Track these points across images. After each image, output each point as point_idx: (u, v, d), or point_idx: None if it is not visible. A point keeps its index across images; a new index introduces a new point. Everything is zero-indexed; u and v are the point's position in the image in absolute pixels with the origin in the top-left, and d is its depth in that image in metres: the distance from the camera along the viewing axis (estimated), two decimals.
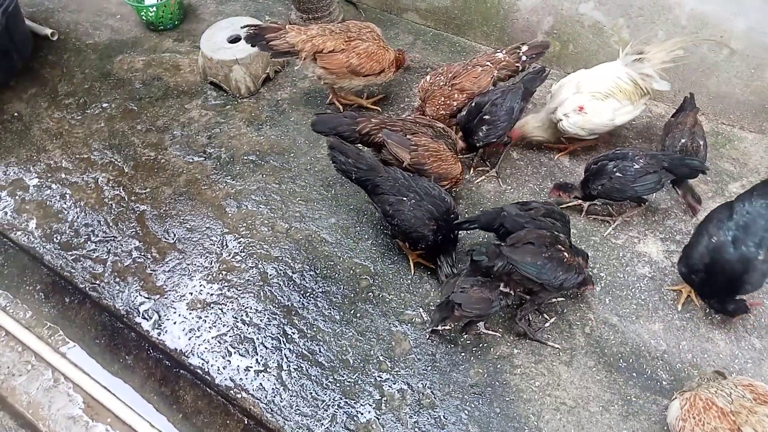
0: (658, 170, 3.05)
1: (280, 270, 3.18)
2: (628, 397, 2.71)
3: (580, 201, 3.36)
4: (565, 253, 2.67)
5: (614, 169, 3.12)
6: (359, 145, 3.20)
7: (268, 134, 3.86)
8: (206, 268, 3.20)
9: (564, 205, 3.41)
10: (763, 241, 2.64)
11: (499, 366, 2.82)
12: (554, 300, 2.99)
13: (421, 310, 2.99)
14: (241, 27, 3.65)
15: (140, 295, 3.11)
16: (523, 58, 3.48)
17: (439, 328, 2.88)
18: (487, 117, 3.27)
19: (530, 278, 2.65)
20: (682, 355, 2.83)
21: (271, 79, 4.20)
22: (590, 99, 3.31)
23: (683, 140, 3.30)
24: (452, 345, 2.89)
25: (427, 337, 2.91)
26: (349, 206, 3.46)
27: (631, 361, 2.82)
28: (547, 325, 2.92)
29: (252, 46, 3.60)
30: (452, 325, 2.87)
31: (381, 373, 2.81)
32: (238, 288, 3.12)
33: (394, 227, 2.98)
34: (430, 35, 4.51)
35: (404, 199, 2.92)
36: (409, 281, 3.13)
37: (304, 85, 4.17)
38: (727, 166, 3.56)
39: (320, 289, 3.10)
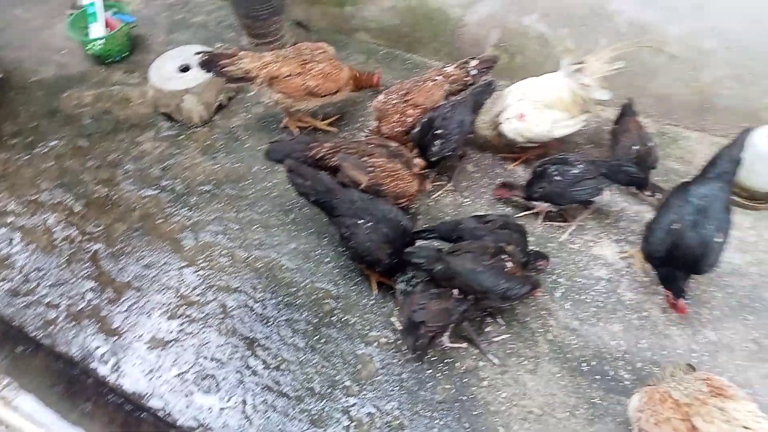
0: (596, 176, 3.14)
1: (241, 301, 3.14)
2: (593, 400, 2.74)
3: (537, 208, 3.43)
4: (509, 264, 2.71)
5: (554, 173, 3.20)
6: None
7: (223, 162, 3.84)
8: (164, 304, 3.14)
9: (522, 214, 3.47)
10: (721, 223, 2.76)
11: (465, 380, 2.83)
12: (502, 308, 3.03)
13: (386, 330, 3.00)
14: (194, 54, 3.63)
15: (96, 339, 3.03)
16: (473, 71, 3.54)
17: (450, 344, 2.90)
18: (439, 131, 3.31)
19: (471, 285, 2.69)
20: (642, 353, 2.89)
21: (224, 107, 4.18)
22: (532, 108, 3.38)
23: (635, 147, 3.39)
24: (418, 363, 2.89)
25: (394, 356, 2.91)
26: (309, 230, 3.44)
27: (593, 364, 2.87)
28: (497, 339, 2.94)
29: (207, 72, 3.60)
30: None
31: (349, 398, 2.79)
32: (199, 322, 3.07)
33: (350, 250, 2.99)
34: (382, 53, 4.56)
35: (360, 222, 2.92)
36: (373, 302, 3.13)
37: (258, 111, 4.16)
38: (675, 165, 3.67)
39: (283, 317, 3.08)
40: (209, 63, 3.54)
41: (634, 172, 3.13)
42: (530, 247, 3.05)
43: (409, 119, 3.40)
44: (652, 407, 2.27)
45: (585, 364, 2.87)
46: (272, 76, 3.56)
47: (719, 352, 2.88)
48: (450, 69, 3.55)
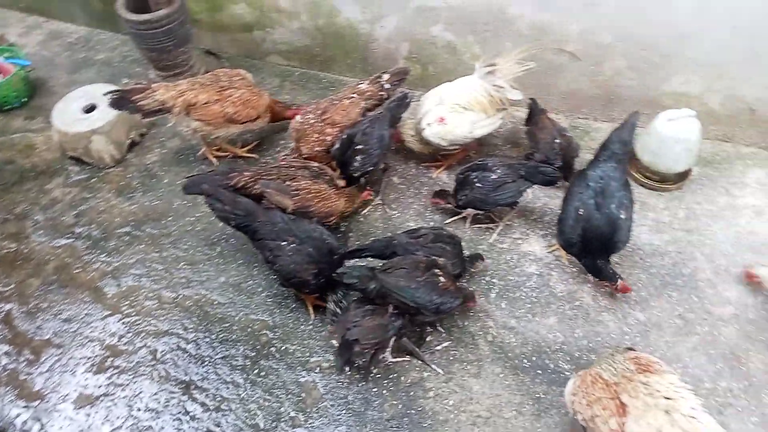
0: (516, 179, 3.22)
1: (173, 343, 3.00)
2: (537, 395, 2.78)
3: (464, 212, 3.47)
4: (442, 278, 2.73)
5: (475, 180, 3.27)
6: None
7: (141, 202, 3.68)
8: (89, 358, 2.96)
9: (450, 220, 3.50)
10: (621, 200, 2.91)
11: (412, 393, 2.81)
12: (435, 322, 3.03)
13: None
14: (104, 94, 3.48)
15: (16, 406, 2.81)
16: (387, 85, 3.57)
17: (393, 359, 2.87)
18: (359, 147, 3.31)
19: (405, 302, 2.68)
20: (579, 342, 2.96)
21: (137, 144, 4.03)
22: (450, 111, 3.44)
23: (557, 140, 3.50)
24: (363, 382, 2.85)
25: (338, 379, 2.85)
26: (238, 261, 3.35)
27: (534, 359, 2.91)
28: (439, 348, 2.94)
29: (118, 110, 3.49)
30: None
31: (295, 429, 2.70)
32: (129, 373, 2.90)
33: (276, 273, 2.93)
34: (297, 75, 4.53)
35: (283, 244, 2.87)
36: (311, 326, 3.06)
37: (173, 145, 4.03)
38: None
39: (219, 355, 2.96)
40: (121, 100, 3.42)
41: (550, 172, 3.22)
42: (465, 253, 3.10)
43: (328, 138, 3.39)
44: (584, 389, 2.34)
45: (526, 361, 2.91)
46: (189, 104, 3.47)
47: (649, 331, 2.99)
48: (364, 86, 3.56)
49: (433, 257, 2.85)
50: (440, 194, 3.47)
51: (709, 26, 3.37)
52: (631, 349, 2.53)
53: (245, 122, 3.63)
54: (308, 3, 4.08)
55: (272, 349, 2.97)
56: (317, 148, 3.40)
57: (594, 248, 2.96)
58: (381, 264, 2.85)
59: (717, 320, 3.02)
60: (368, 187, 3.46)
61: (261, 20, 4.30)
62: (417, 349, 2.91)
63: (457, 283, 2.88)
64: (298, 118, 3.48)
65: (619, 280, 2.97)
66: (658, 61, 3.60)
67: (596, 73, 3.80)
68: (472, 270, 3.16)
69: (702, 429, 2.00)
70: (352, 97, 3.51)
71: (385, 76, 3.60)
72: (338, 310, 2.84)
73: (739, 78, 3.53)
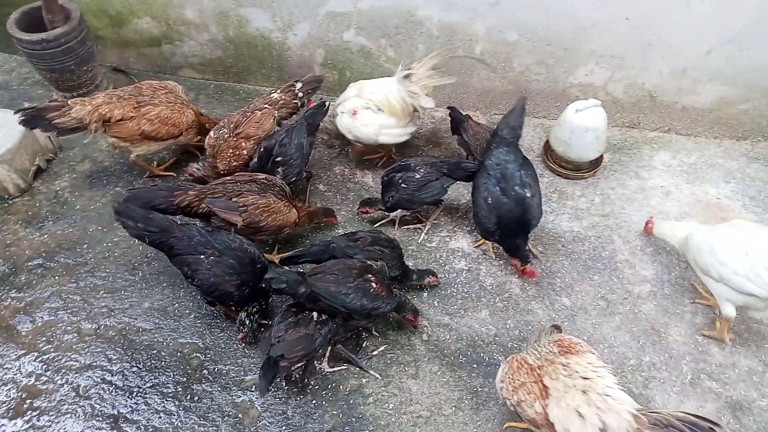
0: (440, 177, 3.27)
1: (97, 377, 2.84)
2: (475, 389, 2.83)
3: (391, 215, 3.49)
4: (374, 284, 2.73)
5: (400, 180, 3.30)
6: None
7: (52, 231, 3.47)
8: (5, 403, 2.75)
9: (378, 223, 3.51)
10: (523, 180, 3.04)
11: (351, 401, 2.78)
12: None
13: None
14: (15, 113, 3.27)
15: None
16: (300, 94, 3.54)
17: (330, 369, 2.85)
18: (279, 158, 3.26)
19: (335, 307, 2.67)
20: (511, 332, 3.03)
21: (44, 170, 3.80)
22: (365, 107, 3.47)
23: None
24: (302, 396, 2.80)
25: (275, 395, 2.79)
26: (161, 285, 3.22)
27: (469, 353, 2.96)
28: (376, 352, 2.95)
29: (31, 129, 3.34)
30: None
31: None
32: (50, 413, 2.72)
33: (197, 288, 2.85)
34: (212, 87, 4.42)
35: (202, 257, 2.78)
36: (244, 345, 2.98)
37: (84, 168, 3.83)
38: None
39: (148, 384, 2.83)
40: (35, 119, 3.23)
41: (472, 167, 3.28)
42: (418, 267, 3.13)
43: (244, 152, 3.32)
44: (510, 375, 2.41)
45: (462, 356, 2.95)
46: (104, 119, 3.31)
47: (576, 315, 3.11)
48: (276, 95, 3.52)
49: (369, 262, 2.85)
50: (367, 203, 3.47)
51: (605, 19, 3.55)
52: (557, 327, 2.61)
53: (167, 140, 3.50)
54: (216, 14, 3.99)
55: (204, 371, 2.88)
56: (234, 163, 3.32)
57: (512, 230, 3.06)
58: (311, 269, 2.82)
59: (637, 298, 3.17)
60: (333, 215, 3.41)
61: (168, 34, 4.16)
62: (353, 356, 2.89)
63: (397, 291, 2.91)
64: (211, 133, 3.38)
65: (529, 265, 3.09)
66: (562, 55, 3.75)
67: (507, 70, 3.92)
68: (421, 283, 3.14)
69: (615, 406, 2.09)
70: (265, 107, 3.45)
71: (298, 85, 3.57)
72: (247, 321, 2.79)
73: (637, 67, 3.74)
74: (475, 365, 2.91)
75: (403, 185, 3.27)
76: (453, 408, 2.76)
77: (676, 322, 3.07)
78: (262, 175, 3.15)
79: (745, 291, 2.66)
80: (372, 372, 2.86)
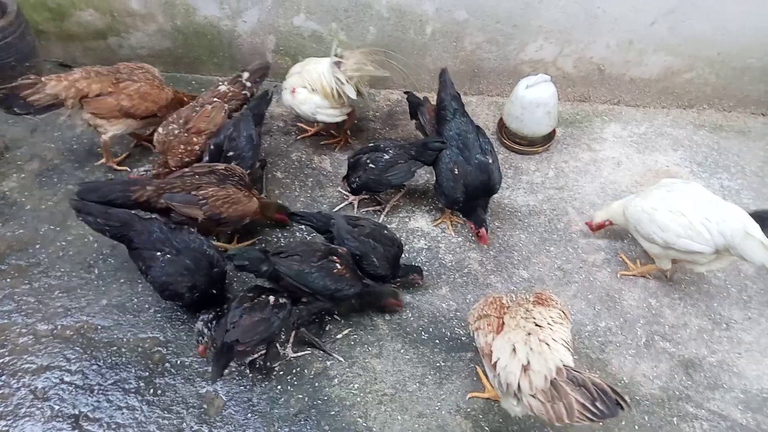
0: (407, 159, 3.28)
1: (55, 378, 2.79)
2: (438, 364, 2.87)
3: (350, 198, 3.50)
4: (338, 265, 2.73)
5: (368, 161, 3.30)
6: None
7: (2, 233, 3.36)
8: None
9: (337, 208, 3.51)
10: (483, 147, 3.14)
11: (317, 384, 2.80)
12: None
13: None
14: None
15: None
16: (248, 84, 3.48)
17: (294, 354, 2.84)
18: (231, 153, 3.22)
19: (298, 286, 2.68)
20: (471, 307, 3.05)
21: None
22: (303, 86, 3.49)
23: None
24: (267, 382, 2.80)
25: (240, 383, 2.78)
26: (119, 281, 3.16)
27: (431, 330, 2.99)
28: (340, 336, 2.96)
29: (6, 110, 3.25)
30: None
31: None
32: (7, 418, 2.66)
33: (151, 284, 2.82)
34: (164, 79, 4.32)
35: (158, 254, 2.75)
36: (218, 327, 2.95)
37: (33, 167, 3.72)
38: None
39: (109, 381, 2.79)
40: (9, 99, 3.18)
41: (438, 146, 3.26)
42: (404, 263, 3.08)
43: (197, 147, 3.25)
44: (481, 306, 2.54)
45: (424, 333, 2.99)
46: (82, 95, 3.28)
47: (533, 286, 3.17)
48: (224, 87, 3.45)
49: (334, 246, 2.86)
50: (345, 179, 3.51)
51: None
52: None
53: (145, 117, 3.45)
54: (162, 3, 3.90)
55: (167, 365, 2.85)
56: (186, 159, 3.25)
57: (478, 196, 3.15)
58: (275, 248, 2.83)
59: (591, 267, 3.26)
60: (285, 213, 3.32)
61: (114, 26, 4.06)
62: (317, 340, 2.90)
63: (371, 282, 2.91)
64: (160, 130, 3.30)
65: (483, 229, 3.16)
66: (511, 32, 3.79)
67: (458, 49, 3.95)
68: (405, 280, 3.10)
69: (546, 353, 2.18)
70: (214, 101, 3.37)
71: (245, 75, 3.51)
72: (206, 330, 2.72)
73: (585, 41, 3.81)
74: (437, 341, 2.96)
75: (370, 165, 3.28)
76: (417, 384, 2.80)
77: (629, 288, 3.16)
78: (221, 165, 3.10)
79: (691, 250, 2.76)
80: (335, 355, 2.88)
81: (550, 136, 3.85)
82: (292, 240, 3.35)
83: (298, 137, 3.90)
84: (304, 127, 3.93)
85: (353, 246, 2.87)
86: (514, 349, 2.24)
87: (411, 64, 4.06)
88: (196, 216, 2.94)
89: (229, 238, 3.34)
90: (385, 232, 3.01)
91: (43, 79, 3.27)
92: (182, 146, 3.24)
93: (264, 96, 3.45)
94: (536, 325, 2.29)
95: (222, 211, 2.99)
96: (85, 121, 3.42)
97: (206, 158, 3.21)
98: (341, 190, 3.57)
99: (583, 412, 2.02)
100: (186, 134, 3.26)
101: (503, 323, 2.40)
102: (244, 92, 3.44)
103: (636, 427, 2.67)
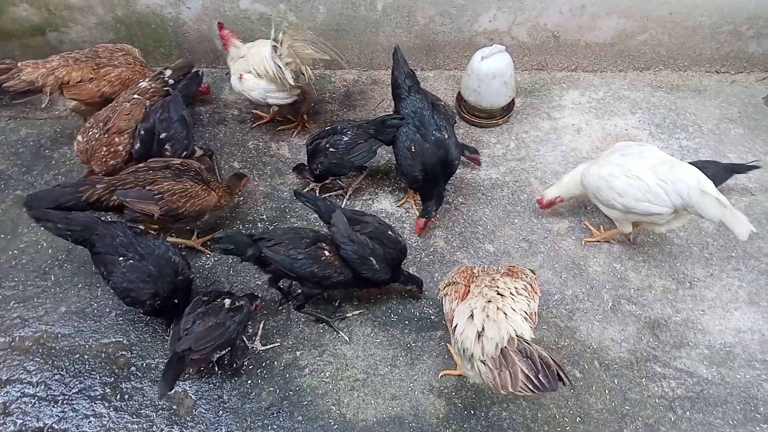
0: (368, 139, 3.21)
1: (16, 392, 2.71)
2: (408, 345, 2.86)
3: (312, 185, 3.44)
4: (326, 251, 2.67)
5: (327, 146, 3.23)
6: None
7: None
8: None
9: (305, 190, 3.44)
10: (439, 124, 3.10)
11: (287, 375, 2.77)
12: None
13: None
14: None
15: None
16: (171, 81, 3.31)
17: (263, 347, 2.78)
18: (163, 135, 3.11)
19: (284, 271, 2.64)
20: (439, 285, 3.04)
21: None
22: (247, 71, 3.40)
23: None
24: (236, 377, 2.76)
25: (209, 381, 2.74)
26: (76, 286, 3.07)
27: (400, 311, 2.98)
28: (349, 315, 2.94)
29: None
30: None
31: None
32: None
33: (112, 290, 2.73)
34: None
35: (120, 259, 2.66)
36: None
37: None
38: None
39: (73, 390, 2.72)
40: None
41: (396, 123, 3.19)
42: (406, 271, 2.96)
43: (120, 147, 3.09)
44: (453, 274, 2.56)
45: (393, 315, 2.97)
46: (61, 82, 3.25)
47: (500, 259, 3.17)
48: (145, 84, 3.27)
49: (323, 232, 2.79)
50: (298, 169, 3.44)
51: None
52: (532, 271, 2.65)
53: None
54: None
55: (132, 368, 2.79)
56: (111, 162, 3.09)
57: (436, 173, 3.11)
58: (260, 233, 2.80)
59: (556, 236, 3.26)
60: (245, 176, 3.26)
61: (51, 20, 3.88)
62: (323, 316, 2.91)
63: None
64: (79, 138, 3.13)
65: (423, 219, 3.15)
66: (463, 3, 3.73)
67: (411, 24, 3.87)
68: (404, 287, 2.98)
69: (502, 322, 2.19)
70: (134, 98, 3.20)
71: (168, 72, 3.35)
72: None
73: (537, 8, 3.76)
74: (406, 322, 2.94)
75: (331, 149, 3.20)
76: (389, 366, 2.79)
77: (594, 254, 3.18)
78: (176, 160, 3.00)
79: (651, 212, 2.78)
80: (342, 333, 2.89)
81: (509, 107, 3.82)
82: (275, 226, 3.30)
83: (254, 125, 3.81)
84: (260, 114, 3.83)
85: (350, 251, 2.68)
86: (471, 315, 2.27)
87: (364, 42, 3.99)
88: (152, 212, 2.85)
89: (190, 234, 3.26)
90: (390, 233, 2.84)
91: (19, 64, 3.25)
92: (104, 148, 3.08)
93: (193, 76, 3.35)
94: (498, 293, 2.31)
95: (179, 206, 2.90)
96: (70, 108, 3.43)
97: (137, 145, 3.09)
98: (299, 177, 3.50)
99: (526, 383, 2.05)
100: (107, 136, 3.09)
101: (468, 291, 2.42)
102: (165, 89, 3.27)
103: (606, 391, 2.70)
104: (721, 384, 2.72)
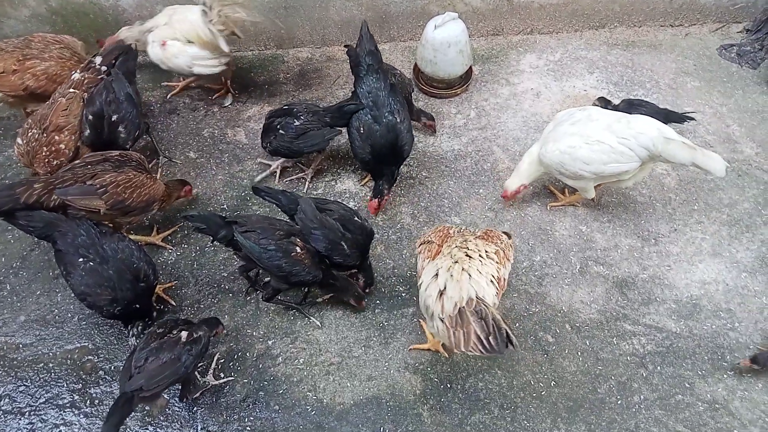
0: (322, 127, 3.10)
1: None
2: (381, 325, 2.84)
3: (272, 166, 3.36)
4: (297, 248, 2.60)
5: (278, 126, 3.14)
6: None
7: None
8: None
9: (259, 177, 3.36)
10: (393, 107, 3.01)
11: (261, 366, 2.73)
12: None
13: None
14: None
15: None
16: (103, 68, 3.14)
17: (216, 381, 2.66)
18: (115, 117, 2.99)
19: (252, 258, 2.59)
20: (408, 261, 3.04)
21: None
22: (172, 37, 3.28)
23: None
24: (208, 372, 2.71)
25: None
26: (35, 294, 2.97)
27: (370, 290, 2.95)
28: (319, 300, 2.90)
29: None
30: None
31: None
32: None
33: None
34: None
35: (80, 260, 2.56)
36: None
37: None
38: None
39: (40, 400, 2.64)
40: None
41: (354, 108, 3.09)
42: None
43: (62, 146, 2.94)
44: (429, 232, 2.59)
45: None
46: None
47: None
48: (77, 75, 3.09)
49: (299, 228, 2.69)
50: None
51: None
52: (507, 234, 2.63)
53: None
54: None
55: (100, 372, 2.72)
56: (55, 161, 2.95)
57: (386, 157, 3.05)
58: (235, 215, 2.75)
59: (522, 203, 3.25)
60: (188, 184, 3.15)
61: None
62: (293, 303, 2.88)
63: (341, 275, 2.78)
64: (19, 140, 2.98)
65: (376, 200, 3.10)
66: None
67: None
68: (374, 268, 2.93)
69: (464, 282, 2.21)
70: (69, 92, 3.04)
71: (98, 59, 3.16)
72: (136, 343, 2.52)
73: None
74: (378, 301, 2.92)
75: (281, 131, 3.12)
76: (362, 348, 2.77)
77: (560, 218, 3.19)
78: (114, 152, 2.88)
79: (621, 171, 2.78)
80: (313, 319, 2.85)
81: (467, 76, 3.76)
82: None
83: (169, 96, 3.71)
84: (171, 84, 3.72)
85: (319, 237, 2.64)
86: (436, 275, 2.28)
87: (315, 18, 3.87)
88: (97, 207, 2.72)
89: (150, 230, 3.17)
90: (356, 218, 2.78)
91: None
92: (45, 149, 2.93)
93: (128, 52, 3.18)
94: (467, 255, 2.32)
95: (126, 197, 2.77)
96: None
97: (87, 131, 2.96)
98: (261, 161, 3.42)
99: (477, 344, 2.08)
100: (46, 135, 2.93)
101: (440, 251, 2.42)
102: (100, 77, 3.10)
103: (579, 353, 2.73)
104: (689, 336, 2.77)
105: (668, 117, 3.25)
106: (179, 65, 3.31)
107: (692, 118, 3.34)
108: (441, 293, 2.22)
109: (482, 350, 2.06)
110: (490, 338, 2.06)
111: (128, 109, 2.99)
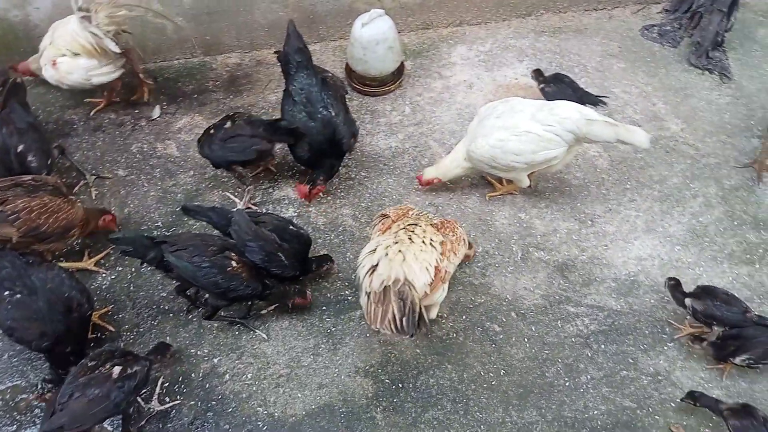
0: (253, 136, 2.99)
1: None
2: (329, 331, 2.80)
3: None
4: (233, 263, 2.53)
5: (211, 129, 3.08)
6: None
7: None
8: None
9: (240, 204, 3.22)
10: (326, 101, 3.00)
11: (207, 385, 2.65)
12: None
13: None
14: None
15: None
16: None
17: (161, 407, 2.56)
18: (21, 148, 2.86)
19: (187, 279, 2.51)
20: (351, 264, 2.98)
21: None
22: (59, 54, 3.18)
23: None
24: (153, 397, 2.61)
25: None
26: None
27: (315, 297, 2.89)
28: (264, 311, 2.84)
29: None
30: None
31: None
32: None
33: None
34: None
35: (6, 293, 2.42)
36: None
37: None
38: None
39: None
40: None
41: (287, 124, 3.01)
42: (313, 257, 2.85)
43: None
44: (390, 209, 2.64)
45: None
46: None
47: None
48: None
49: (233, 242, 2.62)
50: None
51: None
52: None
53: None
54: None
55: (36, 411, 2.58)
56: None
57: (325, 153, 3.04)
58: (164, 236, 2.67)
59: (461, 196, 3.27)
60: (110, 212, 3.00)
61: None
62: (236, 318, 2.82)
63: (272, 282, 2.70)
64: None
65: (306, 185, 3.06)
66: None
67: None
68: (319, 272, 2.90)
69: (395, 262, 2.28)
70: None
71: None
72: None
73: None
74: (324, 307, 2.88)
75: (212, 132, 3.05)
76: (311, 356, 2.73)
77: (499, 208, 3.22)
78: (27, 177, 2.73)
79: (552, 157, 2.83)
80: (258, 332, 2.79)
81: (399, 72, 3.75)
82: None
83: (92, 113, 3.56)
84: (94, 101, 3.58)
85: (255, 249, 2.58)
86: (374, 249, 2.36)
87: (240, 22, 3.78)
88: (8, 235, 2.57)
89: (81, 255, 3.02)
90: (291, 228, 2.74)
91: None
92: None
93: (9, 83, 3.02)
94: (409, 239, 2.36)
95: (41, 224, 2.63)
96: None
97: None
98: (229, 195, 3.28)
99: (391, 322, 2.17)
100: None
101: (389, 228, 2.46)
102: None
103: (525, 339, 2.77)
104: (630, 312, 2.84)
105: (582, 98, 3.31)
106: (77, 81, 3.21)
107: (603, 102, 3.43)
108: (373, 268, 2.27)
109: (394, 329, 2.17)
110: (404, 320, 2.16)
111: (34, 138, 2.86)
